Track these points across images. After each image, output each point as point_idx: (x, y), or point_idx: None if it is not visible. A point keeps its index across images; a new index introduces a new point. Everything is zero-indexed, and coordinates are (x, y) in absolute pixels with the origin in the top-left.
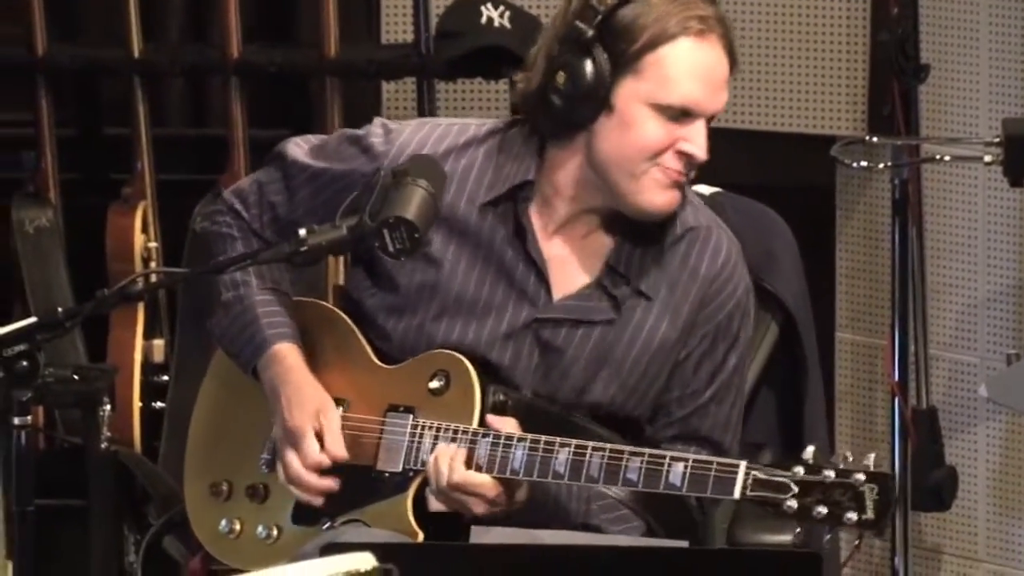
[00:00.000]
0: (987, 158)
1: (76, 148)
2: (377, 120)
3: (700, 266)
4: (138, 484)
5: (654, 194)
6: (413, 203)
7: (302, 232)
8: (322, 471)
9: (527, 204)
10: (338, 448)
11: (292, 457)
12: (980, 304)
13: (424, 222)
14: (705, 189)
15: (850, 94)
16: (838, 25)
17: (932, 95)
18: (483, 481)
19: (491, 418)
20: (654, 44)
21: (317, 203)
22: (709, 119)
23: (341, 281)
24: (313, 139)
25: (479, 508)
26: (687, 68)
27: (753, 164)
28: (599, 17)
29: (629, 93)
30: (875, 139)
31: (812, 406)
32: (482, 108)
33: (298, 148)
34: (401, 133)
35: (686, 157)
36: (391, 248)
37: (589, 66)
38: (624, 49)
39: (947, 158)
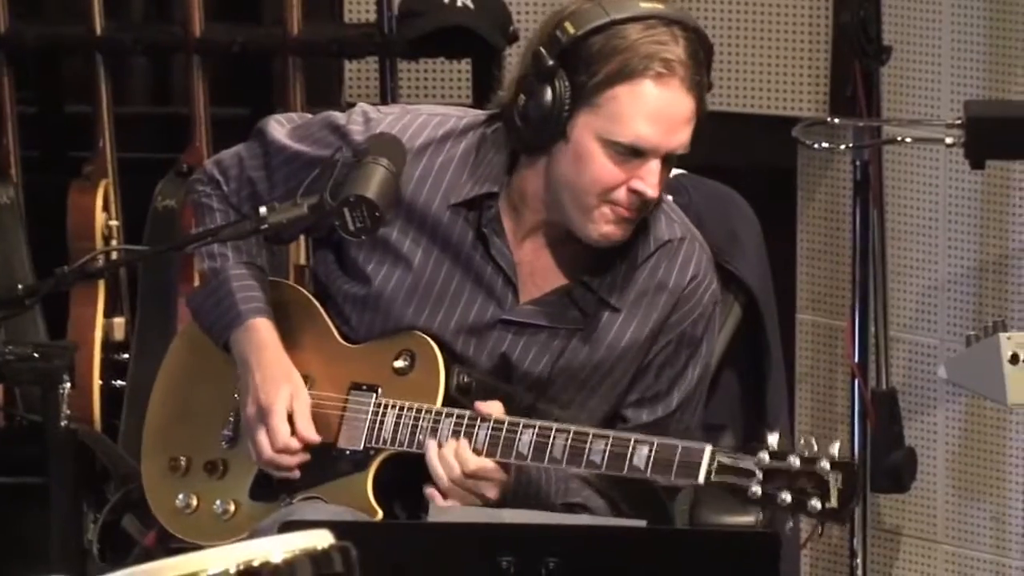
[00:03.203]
0: (948, 140)
1: (37, 125)
2: (359, 107)
3: (669, 278)
4: (98, 462)
5: (601, 227)
6: (373, 182)
7: (263, 210)
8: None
9: (493, 212)
10: (309, 432)
11: (263, 437)
12: (940, 286)
13: (385, 201)
14: None
15: (812, 75)
16: (801, 6)
17: (894, 77)
18: (494, 466)
19: (480, 404)
20: (612, 81)
21: (292, 185)
22: (668, 158)
23: (302, 261)
24: (296, 118)
25: (491, 492)
26: (641, 109)
27: (715, 145)
28: (560, 48)
29: (584, 126)
30: (837, 120)
31: (774, 387)
32: (444, 88)
33: (279, 127)
34: (381, 123)
35: (637, 195)
36: (351, 227)
37: (548, 94)
38: (584, 81)
39: (908, 140)
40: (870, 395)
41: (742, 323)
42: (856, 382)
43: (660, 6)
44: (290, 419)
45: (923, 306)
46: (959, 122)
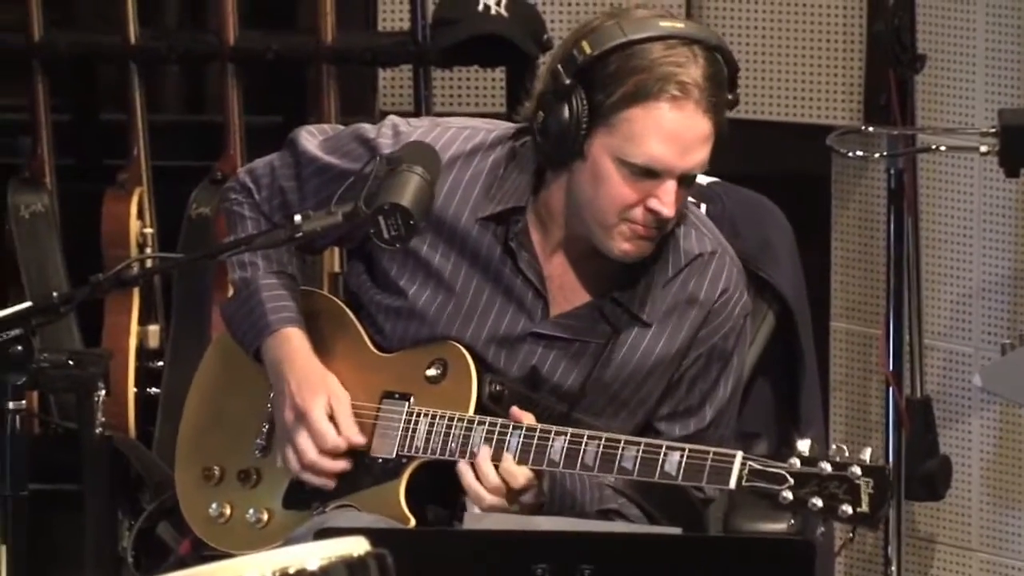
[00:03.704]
0: (983, 148)
1: (72, 134)
2: (389, 120)
3: (699, 292)
4: (132, 469)
5: (621, 243)
6: (408, 190)
7: (297, 218)
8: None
9: (519, 226)
10: (354, 433)
11: (306, 442)
12: (975, 294)
13: (419, 209)
14: (702, 179)
15: (846, 84)
16: (835, 15)
17: (928, 85)
18: (531, 476)
19: (515, 411)
20: (627, 102)
21: (323, 196)
22: (685, 177)
23: (336, 269)
24: (328, 129)
25: (532, 501)
26: (656, 130)
27: (749, 153)
28: (577, 67)
29: (600, 145)
30: (871, 129)
31: (808, 395)
32: (478, 96)
33: (310, 138)
34: (410, 136)
35: (653, 214)
36: (386, 235)
37: (565, 113)
38: (601, 101)
39: (943, 148)
40: (905, 403)
41: (776, 331)
42: (891, 390)
43: (680, 25)
44: (331, 421)
45: (957, 314)
46: (993, 130)
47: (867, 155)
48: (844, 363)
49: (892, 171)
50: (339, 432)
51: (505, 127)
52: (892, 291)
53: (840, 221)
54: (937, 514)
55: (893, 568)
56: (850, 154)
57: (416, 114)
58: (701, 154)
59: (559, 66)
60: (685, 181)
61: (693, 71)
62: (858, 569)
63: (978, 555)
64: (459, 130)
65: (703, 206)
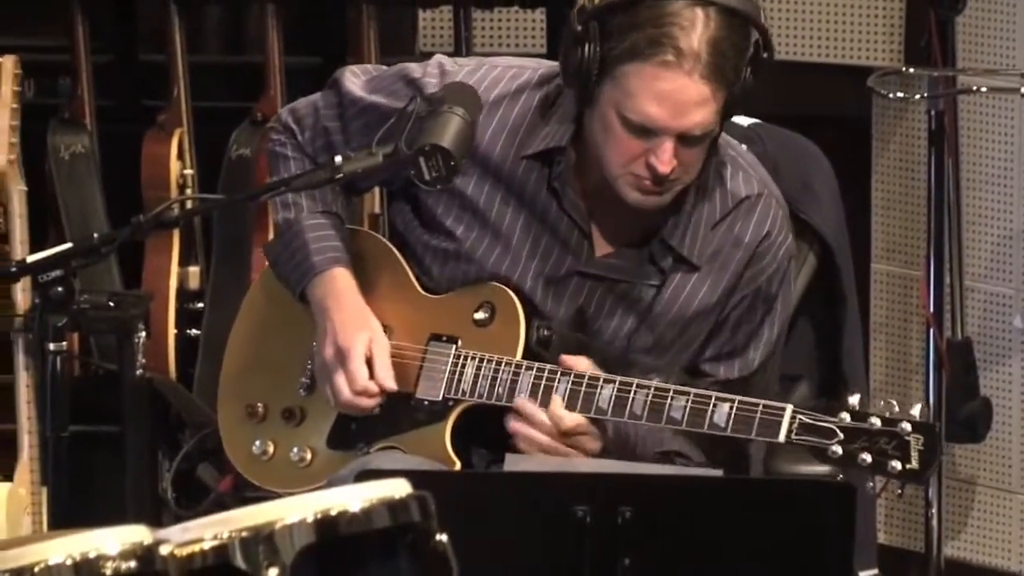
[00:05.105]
0: (1023, 89)
1: (112, 74)
2: (435, 59)
3: (745, 234)
4: (173, 411)
5: (631, 192)
6: (449, 131)
7: (338, 158)
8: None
9: (561, 166)
10: (388, 378)
11: (340, 379)
12: (1015, 235)
13: (460, 150)
14: (743, 120)
15: (887, 25)
16: None
17: (969, 26)
18: (583, 419)
19: (566, 358)
20: (626, 58)
21: (367, 137)
22: (686, 137)
23: (376, 210)
24: (372, 69)
25: (592, 445)
26: (648, 90)
27: (789, 95)
28: (587, 17)
29: (607, 96)
30: (912, 70)
31: (849, 337)
32: (519, 37)
33: (354, 78)
34: (456, 75)
35: (652, 170)
36: (427, 176)
37: (576, 59)
38: (606, 53)
39: (983, 89)
40: (945, 345)
41: (817, 272)
42: (931, 332)
43: None
44: (369, 364)
45: (998, 255)
46: None
47: (908, 96)
48: (884, 305)
49: (933, 112)
50: (373, 376)
51: (551, 65)
52: (932, 232)
53: (880, 163)
54: (978, 456)
55: (934, 510)
56: (891, 95)
57: (456, 55)
58: (698, 116)
59: (574, 12)
60: (688, 140)
61: (694, 35)
62: (899, 511)
63: (1019, 497)
64: (505, 68)
65: (743, 147)
